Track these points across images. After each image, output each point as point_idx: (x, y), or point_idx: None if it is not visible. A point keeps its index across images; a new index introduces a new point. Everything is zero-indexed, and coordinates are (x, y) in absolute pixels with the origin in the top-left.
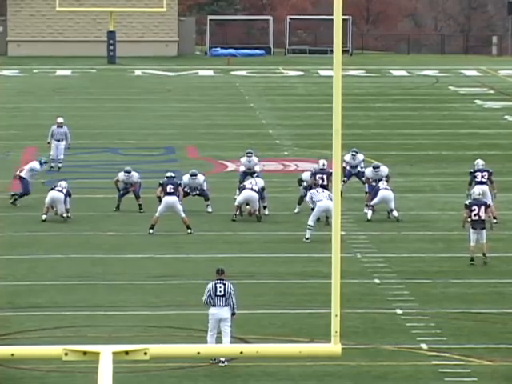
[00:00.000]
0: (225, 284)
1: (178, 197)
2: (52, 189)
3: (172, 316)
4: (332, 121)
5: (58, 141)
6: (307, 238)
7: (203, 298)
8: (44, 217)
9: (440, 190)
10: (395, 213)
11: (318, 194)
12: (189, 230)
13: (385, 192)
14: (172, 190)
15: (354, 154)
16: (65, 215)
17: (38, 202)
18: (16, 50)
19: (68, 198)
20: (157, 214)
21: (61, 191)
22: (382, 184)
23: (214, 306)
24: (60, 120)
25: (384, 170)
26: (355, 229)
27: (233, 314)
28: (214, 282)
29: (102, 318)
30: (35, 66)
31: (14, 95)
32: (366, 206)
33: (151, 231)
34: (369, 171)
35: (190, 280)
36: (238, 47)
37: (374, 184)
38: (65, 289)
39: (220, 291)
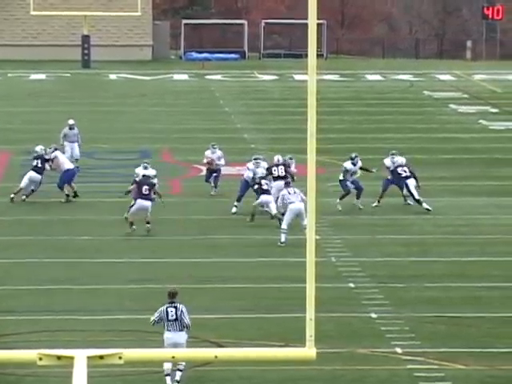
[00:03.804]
0: (176, 307)
1: (153, 200)
2: (33, 169)
3: (147, 320)
4: (307, 125)
5: (72, 142)
6: (282, 242)
7: (152, 319)
8: (12, 195)
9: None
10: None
11: (289, 195)
12: (148, 225)
13: (410, 181)
14: (147, 192)
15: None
16: (23, 197)
17: (9, 207)
18: None
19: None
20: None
21: (39, 172)
22: (402, 171)
23: (168, 330)
24: (71, 122)
25: (401, 158)
26: (330, 233)
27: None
28: (165, 306)
29: (76, 322)
30: (9, 70)
31: None
32: (378, 201)
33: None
34: (387, 160)
35: (165, 284)
36: (212, 51)
37: (389, 178)
38: (40, 293)
39: (172, 315)
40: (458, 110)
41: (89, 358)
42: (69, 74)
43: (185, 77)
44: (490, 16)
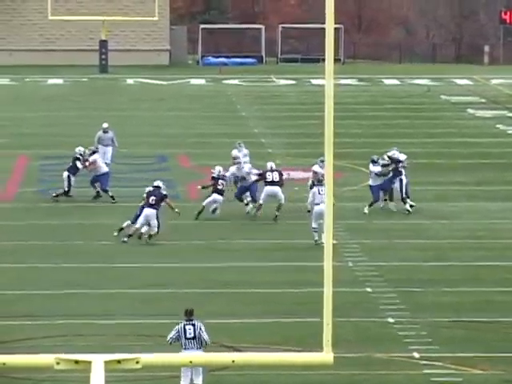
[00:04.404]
0: (194, 325)
1: (157, 209)
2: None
3: (164, 325)
4: (324, 129)
5: (106, 146)
6: (316, 241)
7: (169, 337)
8: (54, 193)
9: (431, 198)
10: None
11: (318, 195)
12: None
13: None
14: (154, 202)
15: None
16: (54, 194)
17: (25, 211)
18: (7, 59)
19: (72, 178)
20: (137, 226)
21: (71, 171)
22: (401, 167)
23: (185, 349)
24: (105, 125)
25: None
26: (347, 237)
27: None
28: (182, 324)
29: (93, 326)
30: (27, 75)
31: (5, 104)
32: (390, 201)
33: (125, 239)
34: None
35: (181, 289)
36: (229, 56)
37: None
38: (56, 298)
39: (190, 333)
40: (476, 115)
41: (106, 362)
42: (86, 79)
43: (202, 81)
44: (508, 21)
